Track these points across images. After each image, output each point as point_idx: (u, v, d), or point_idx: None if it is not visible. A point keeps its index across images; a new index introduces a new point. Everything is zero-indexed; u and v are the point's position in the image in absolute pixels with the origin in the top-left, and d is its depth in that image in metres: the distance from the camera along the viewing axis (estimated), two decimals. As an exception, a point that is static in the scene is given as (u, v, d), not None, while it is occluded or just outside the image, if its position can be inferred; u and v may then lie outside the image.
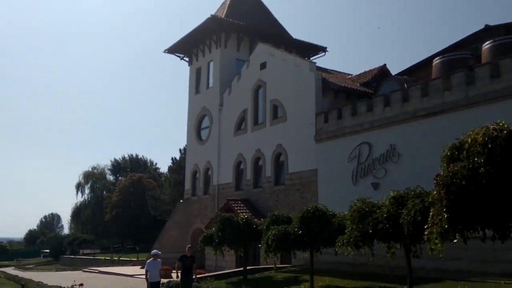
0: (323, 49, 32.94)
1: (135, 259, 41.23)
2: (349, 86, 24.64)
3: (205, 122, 32.05)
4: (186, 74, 34.65)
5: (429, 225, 8.83)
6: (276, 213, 17.73)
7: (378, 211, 12.22)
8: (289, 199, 23.74)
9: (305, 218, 15.11)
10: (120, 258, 43.96)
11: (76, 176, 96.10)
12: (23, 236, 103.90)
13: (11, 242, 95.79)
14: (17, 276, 30.74)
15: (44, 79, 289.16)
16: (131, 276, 27.01)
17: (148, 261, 13.43)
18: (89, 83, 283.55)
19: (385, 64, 27.17)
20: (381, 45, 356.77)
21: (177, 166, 48.77)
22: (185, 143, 36.38)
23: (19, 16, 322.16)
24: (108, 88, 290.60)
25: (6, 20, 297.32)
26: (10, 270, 42.54)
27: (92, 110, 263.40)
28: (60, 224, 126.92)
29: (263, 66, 26.97)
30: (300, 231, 15.00)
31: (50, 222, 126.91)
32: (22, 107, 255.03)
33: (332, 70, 28.45)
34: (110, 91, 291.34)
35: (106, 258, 46.58)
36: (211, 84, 31.76)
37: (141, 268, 32.06)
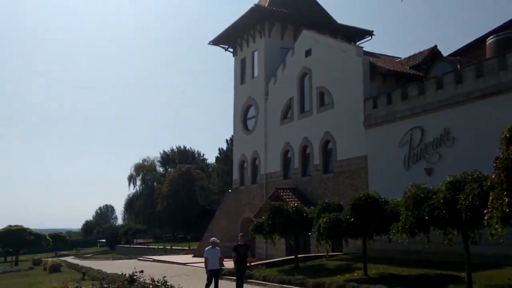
0: (369, 33, 32.18)
1: (187, 248, 42.22)
2: (399, 70, 23.97)
3: (251, 112, 32.17)
4: (231, 65, 34.89)
5: (489, 209, 8.54)
6: (326, 201, 17.61)
7: (434, 197, 11.91)
8: (339, 187, 23.50)
9: (357, 205, 14.95)
10: (173, 247, 45.14)
11: (128, 169, 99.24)
12: (80, 227, 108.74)
13: (69, 232, 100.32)
14: (77, 264, 32.19)
15: (96, 76, 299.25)
16: (184, 264, 27.71)
17: (206, 248, 13.55)
18: (138, 78, 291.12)
19: (435, 46, 26.20)
20: (430, 26, 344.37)
21: (224, 156, 49.33)
22: (232, 133, 36.71)
23: (70, 10, 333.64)
24: (156, 82, 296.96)
25: (57, 21, 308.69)
26: (70, 259, 44.68)
27: (141, 105, 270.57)
28: (114, 215, 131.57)
29: (308, 53, 26.68)
30: (352, 219, 14.87)
31: (105, 213, 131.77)
32: (80, 105, 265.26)
33: (380, 54, 27.76)
34: (157, 85, 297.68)
35: (159, 247, 47.94)
36: (256, 74, 31.79)
37: (193, 256, 32.90)
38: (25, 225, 48.97)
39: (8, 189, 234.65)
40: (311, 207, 20.14)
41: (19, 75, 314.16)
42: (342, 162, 23.64)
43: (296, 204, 20.35)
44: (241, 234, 14.99)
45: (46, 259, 40.58)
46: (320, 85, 25.62)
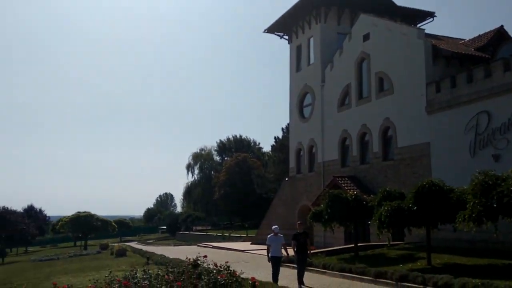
0: (430, 14, 30.86)
1: (244, 235, 42.84)
2: (463, 52, 22.85)
3: (308, 100, 31.92)
4: (287, 53, 34.72)
5: None
6: (387, 188, 17.20)
7: (503, 184, 11.39)
8: (400, 175, 22.89)
9: (420, 193, 14.51)
10: (231, 235, 45.96)
11: (186, 158, 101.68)
12: (142, 214, 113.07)
13: (132, 219, 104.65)
14: (141, 249, 33.54)
15: (157, 69, 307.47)
16: (243, 251, 28.13)
17: (269, 236, 13.63)
18: (195, 69, 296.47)
19: (502, 26, 24.72)
20: (495, 6, 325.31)
21: (280, 145, 49.43)
22: (288, 121, 36.63)
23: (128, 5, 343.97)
24: (212, 73, 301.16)
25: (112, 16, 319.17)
26: (134, 244, 46.59)
27: (198, 96, 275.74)
28: (173, 203, 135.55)
29: (366, 37, 26.02)
30: (415, 207, 14.45)
31: (165, 201, 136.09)
32: (144, 98, 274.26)
33: (442, 36, 26.58)
34: (214, 75, 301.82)
35: (218, 234, 48.95)
36: (312, 61, 31.44)
37: (251, 244, 33.33)
38: (93, 212, 51.63)
39: (77, 178, 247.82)
40: (371, 195, 19.79)
41: (89, 70, 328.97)
42: (403, 149, 22.99)
43: (355, 192, 20.05)
44: (299, 222, 14.95)
45: (112, 244, 42.56)
46: (379, 70, 24.95)
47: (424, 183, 14.63)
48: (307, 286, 13.50)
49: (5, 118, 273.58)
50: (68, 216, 52.03)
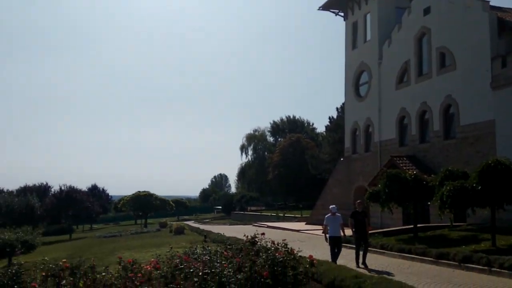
0: (496, -15, 28.98)
1: (299, 215, 42.90)
2: (532, 24, 21.35)
3: (364, 78, 31.11)
4: (342, 30, 33.91)
5: None
6: (449, 168, 16.54)
7: None
8: (462, 154, 21.94)
9: (485, 172, 13.86)
10: (285, 215, 46.18)
11: (240, 139, 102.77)
12: (198, 194, 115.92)
13: (188, 199, 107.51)
14: (198, 228, 34.40)
15: (209, 50, 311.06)
16: (298, 231, 28.18)
17: (326, 216, 13.52)
18: (247, 49, 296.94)
19: None
20: None
21: (335, 125, 48.68)
22: (343, 101, 35.96)
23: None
24: (265, 51, 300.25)
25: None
26: (191, 223, 47.88)
27: (251, 76, 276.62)
28: (227, 184, 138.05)
29: (426, 11, 24.87)
30: (480, 187, 13.83)
31: (219, 181, 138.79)
32: (199, 80, 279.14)
33: (508, 8, 24.90)
34: (265, 54, 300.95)
35: (272, 214, 49.32)
36: (368, 37, 30.52)
37: (305, 224, 33.34)
38: (151, 192, 53.47)
39: (137, 160, 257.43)
40: (431, 175, 19.12)
41: (147, 58, 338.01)
42: (466, 127, 21.97)
43: (414, 172, 19.44)
44: (359, 201, 14.67)
45: (170, 222, 43.95)
46: (441, 45, 23.83)
47: (490, 162, 13.96)
48: (369, 268, 12.93)
49: (72, 103, 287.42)
50: (129, 196, 54.20)
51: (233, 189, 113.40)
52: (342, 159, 34.16)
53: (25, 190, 56.46)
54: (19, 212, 44.30)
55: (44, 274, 8.97)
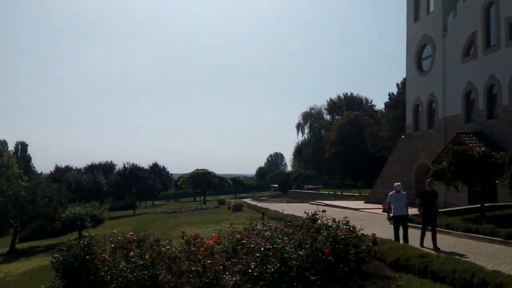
0: None
1: (357, 194, 42.30)
2: None
3: (427, 51, 29.73)
4: (402, 2, 32.44)
5: None
6: (521, 144, 15.56)
7: None
8: (535, 130, 20.59)
9: None
10: (343, 193, 45.68)
11: (296, 118, 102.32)
12: (254, 173, 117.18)
13: (245, 177, 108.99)
14: (256, 205, 34.80)
15: (264, 30, 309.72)
16: (357, 209, 27.81)
17: (390, 193, 13.06)
18: (302, 24, 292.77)
19: None
20: None
21: (395, 101, 47.25)
22: (404, 76, 34.67)
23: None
24: (321, 27, 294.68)
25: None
26: (248, 201, 48.55)
27: (307, 54, 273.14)
28: (283, 162, 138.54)
29: (496, -22, 23.24)
30: (556, 164, 12.91)
31: (275, 160, 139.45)
32: (255, 60, 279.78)
33: None
34: (322, 30, 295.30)
35: (329, 192, 48.94)
36: (432, 9, 29.01)
37: (364, 202, 32.83)
38: (210, 170, 54.60)
39: (195, 139, 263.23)
40: (500, 153, 18.10)
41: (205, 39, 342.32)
42: (539, 101, 20.54)
43: (482, 149, 18.47)
44: (429, 180, 14.00)
45: (228, 200, 44.77)
46: (510, 14, 22.24)
47: None
48: (438, 250, 12.19)
49: (135, 86, 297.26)
50: (188, 174, 55.66)
51: (289, 168, 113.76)
52: (403, 136, 33.10)
53: (92, 168, 59.29)
54: (87, 188, 46.68)
55: (113, 246, 9.40)
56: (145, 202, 66.24)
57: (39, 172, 75.24)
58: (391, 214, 12.89)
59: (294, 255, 7.81)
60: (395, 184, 13.25)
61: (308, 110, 78.27)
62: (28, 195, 24.89)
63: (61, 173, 53.77)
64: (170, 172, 78.38)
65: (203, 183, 52.55)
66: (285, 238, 8.54)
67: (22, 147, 77.91)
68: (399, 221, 12.81)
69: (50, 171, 61.94)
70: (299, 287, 7.56)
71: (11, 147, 74.90)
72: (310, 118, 77.38)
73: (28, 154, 77.10)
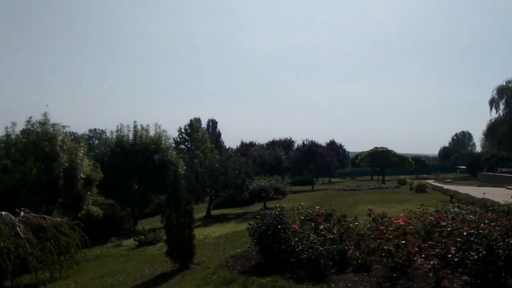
0: None
1: None
2: None
3: None
4: None
5: None
6: None
7: None
8: None
9: None
10: (548, 178, 39.61)
11: (487, 92, 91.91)
12: (436, 153, 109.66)
13: (426, 157, 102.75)
14: (441, 187, 32.46)
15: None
16: None
17: None
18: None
19: None
20: None
21: None
22: None
23: None
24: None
25: None
26: (432, 182, 45.62)
27: (500, 23, 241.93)
28: (471, 142, 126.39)
29: None
30: None
31: (462, 139, 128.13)
32: (439, 34, 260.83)
33: None
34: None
35: (530, 177, 42.96)
36: None
37: None
38: (389, 148, 52.82)
39: (373, 115, 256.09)
40: None
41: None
42: None
43: None
44: None
45: (409, 180, 42.76)
46: None
47: None
48: None
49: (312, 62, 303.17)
50: (366, 151, 54.68)
51: (478, 148, 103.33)
52: None
53: (273, 144, 62.45)
54: (269, 163, 49.42)
55: (302, 218, 9.67)
56: (322, 178, 67.37)
57: (227, 147, 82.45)
58: None
59: (501, 243, 6.92)
60: None
61: (504, 83, 69.23)
62: (221, 167, 27.42)
63: (246, 148, 57.93)
64: (347, 150, 78.17)
65: (382, 162, 51.13)
66: (492, 223, 7.63)
67: (212, 124, 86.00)
68: None
69: (236, 146, 67.22)
70: (507, 278, 6.70)
71: (203, 124, 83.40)
72: (507, 92, 68.42)
73: (218, 130, 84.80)
